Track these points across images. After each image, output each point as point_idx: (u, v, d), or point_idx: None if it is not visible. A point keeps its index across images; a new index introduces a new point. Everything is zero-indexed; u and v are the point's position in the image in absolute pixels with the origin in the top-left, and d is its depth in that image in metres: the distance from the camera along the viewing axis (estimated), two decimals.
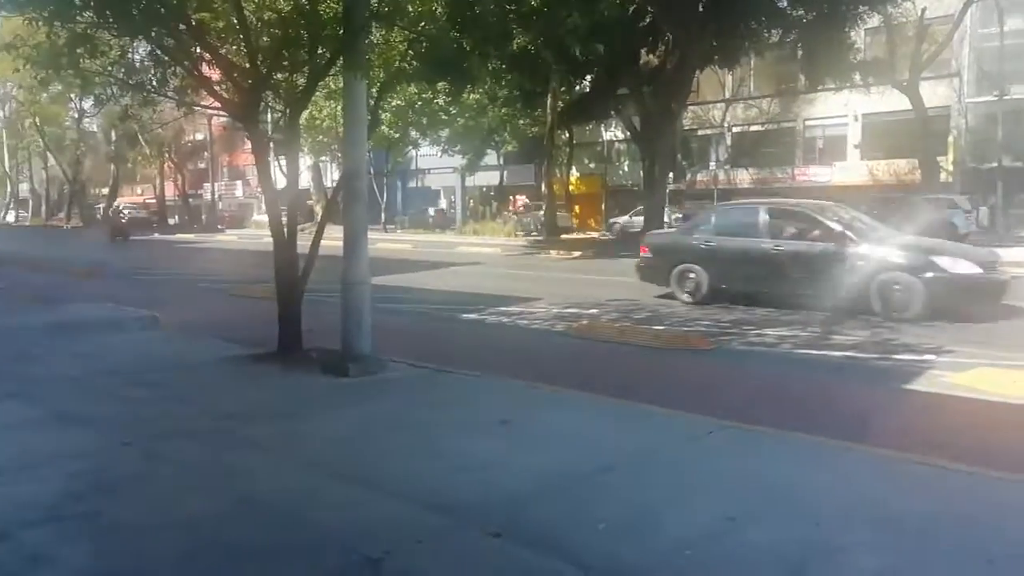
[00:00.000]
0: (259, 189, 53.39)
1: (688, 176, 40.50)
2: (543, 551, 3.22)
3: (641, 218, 27.80)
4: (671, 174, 32.94)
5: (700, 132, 41.51)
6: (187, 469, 4.32)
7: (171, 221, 56.38)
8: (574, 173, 43.20)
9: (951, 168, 33.02)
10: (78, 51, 6.57)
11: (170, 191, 60.92)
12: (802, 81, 30.20)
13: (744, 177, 39.24)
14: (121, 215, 44.36)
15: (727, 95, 39.52)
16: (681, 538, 3.35)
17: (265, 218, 8.39)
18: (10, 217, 69.12)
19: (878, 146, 35.34)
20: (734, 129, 40.37)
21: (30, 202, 69.95)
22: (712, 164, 40.68)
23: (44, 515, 3.63)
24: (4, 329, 9.11)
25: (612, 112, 30.83)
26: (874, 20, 26.00)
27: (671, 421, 5.29)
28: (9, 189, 69.46)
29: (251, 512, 3.70)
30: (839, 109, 34.95)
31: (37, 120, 53.83)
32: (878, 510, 3.67)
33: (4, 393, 6.01)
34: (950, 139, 33.18)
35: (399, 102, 26.70)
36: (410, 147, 39.62)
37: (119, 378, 6.62)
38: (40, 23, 6.20)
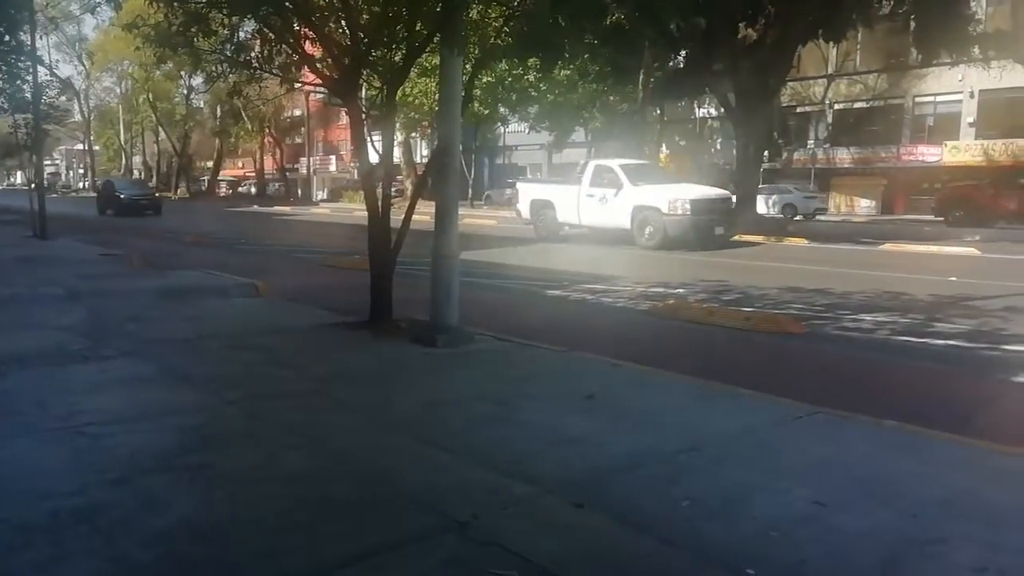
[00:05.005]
0: (352, 164, 54.87)
1: (784, 155, 39.07)
2: (626, 524, 3.25)
3: None
4: (766, 153, 31.83)
5: (799, 109, 39.92)
6: (286, 428, 4.55)
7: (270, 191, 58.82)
8: (664, 151, 42.33)
9: None
10: (192, 30, 6.94)
11: (268, 165, 63.53)
12: (914, 55, 28.50)
13: (844, 156, 37.55)
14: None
15: (830, 70, 37.72)
16: (767, 519, 3.31)
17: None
18: None
19: (995, 124, 33.06)
20: (836, 106, 38.58)
21: (141, 174, 74.28)
22: (810, 143, 39.10)
23: (158, 464, 3.91)
24: (121, 292, 9.79)
25: (706, 88, 29.98)
26: None
27: (758, 404, 5.19)
28: (124, 162, 74.03)
29: (345, 470, 3.87)
30: (954, 85, 32.86)
31: (150, 96, 57.16)
32: (980, 505, 3.52)
33: (121, 351, 6.47)
34: None
35: (490, 79, 26.88)
36: (499, 124, 39.80)
37: (223, 341, 6.99)
38: (159, 3, 6.57)
